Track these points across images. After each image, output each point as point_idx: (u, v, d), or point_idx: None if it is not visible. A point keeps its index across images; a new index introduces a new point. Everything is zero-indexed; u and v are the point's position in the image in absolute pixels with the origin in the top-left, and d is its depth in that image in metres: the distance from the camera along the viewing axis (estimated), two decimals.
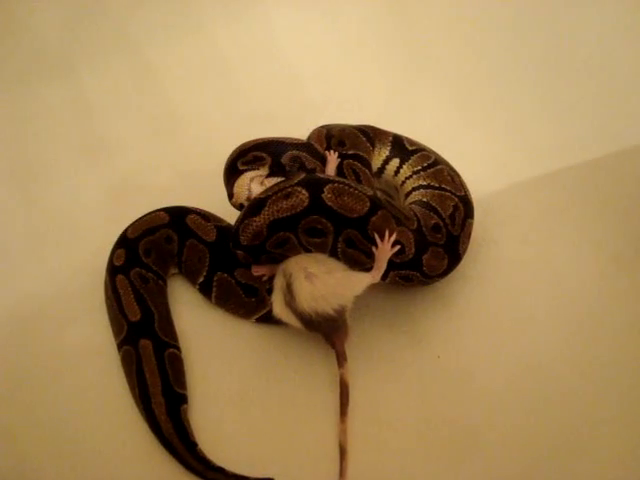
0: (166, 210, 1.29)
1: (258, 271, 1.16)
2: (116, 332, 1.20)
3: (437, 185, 1.29)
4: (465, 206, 1.26)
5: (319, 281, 1.07)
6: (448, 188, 1.28)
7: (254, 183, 1.19)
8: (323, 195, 1.06)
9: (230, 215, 1.24)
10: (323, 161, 1.24)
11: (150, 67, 1.73)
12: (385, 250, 1.07)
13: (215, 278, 1.22)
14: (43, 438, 1.12)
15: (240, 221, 1.11)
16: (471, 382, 1.17)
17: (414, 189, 1.31)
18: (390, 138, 1.37)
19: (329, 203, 1.06)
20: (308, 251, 1.11)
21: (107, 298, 1.24)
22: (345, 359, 1.10)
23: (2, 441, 1.12)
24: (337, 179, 1.11)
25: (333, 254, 1.11)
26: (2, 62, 1.73)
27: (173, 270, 1.29)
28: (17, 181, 1.50)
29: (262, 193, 1.12)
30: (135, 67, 1.73)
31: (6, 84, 1.69)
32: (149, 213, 1.29)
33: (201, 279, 1.24)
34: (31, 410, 1.15)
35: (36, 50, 1.75)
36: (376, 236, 1.07)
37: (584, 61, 1.69)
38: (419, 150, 1.35)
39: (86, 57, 1.74)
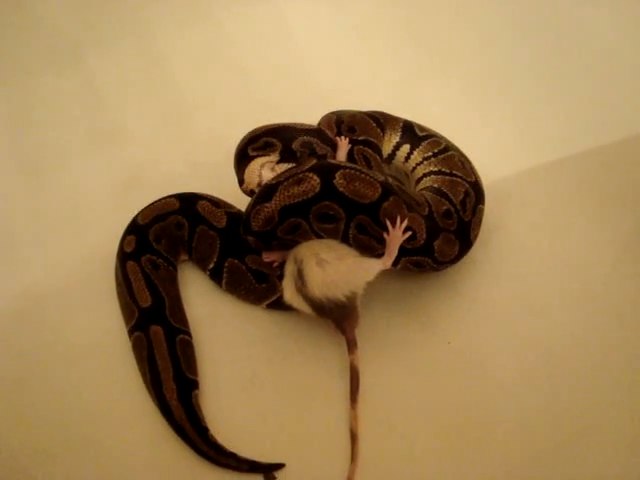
0: (176, 196, 1.28)
1: (269, 257, 1.16)
2: (127, 318, 1.20)
3: (448, 171, 1.28)
4: (476, 192, 1.26)
5: (330, 267, 1.07)
6: (459, 174, 1.27)
7: (265, 169, 1.18)
8: (335, 181, 1.06)
9: (240, 202, 1.24)
10: (334, 147, 1.24)
11: (159, 54, 1.72)
12: (396, 236, 1.07)
13: (226, 264, 1.22)
14: (55, 424, 1.13)
15: (251, 207, 1.11)
16: (482, 368, 1.17)
17: (425, 175, 1.30)
18: (400, 124, 1.36)
19: (341, 189, 1.06)
20: (319, 237, 1.11)
21: (118, 284, 1.24)
22: (355, 345, 1.10)
23: (14, 428, 1.13)
24: (348, 165, 1.10)
25: (344, 240, 1.10)
26: (11, 50, 1.73)
27: (183, 256, 1.29)
28: (27, 169, 1.50)
29: (273, 179, 1.11)
30: (144, 54, 1.72)
31: (15, 72, 1.69)
32: (159, 199, 1.29)
33: (212, 265, 1.24)
34: (42, 397, 1.16)
35: (45, 38, 1.75)
36: (387, 222, 1.07)
37: (593, 47, 1.69)
38: (430, 136, 1.34)
39: (94, 44, 1.74)
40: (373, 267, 1.08)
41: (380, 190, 1.07)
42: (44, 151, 1.53)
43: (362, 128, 1.31)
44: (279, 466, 1.06)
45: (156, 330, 1.15)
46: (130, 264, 1.22)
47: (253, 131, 1.23)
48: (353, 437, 1.07)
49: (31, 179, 1.48)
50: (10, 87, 1.66)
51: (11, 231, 1.38)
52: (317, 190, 1.06)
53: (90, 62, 1.71)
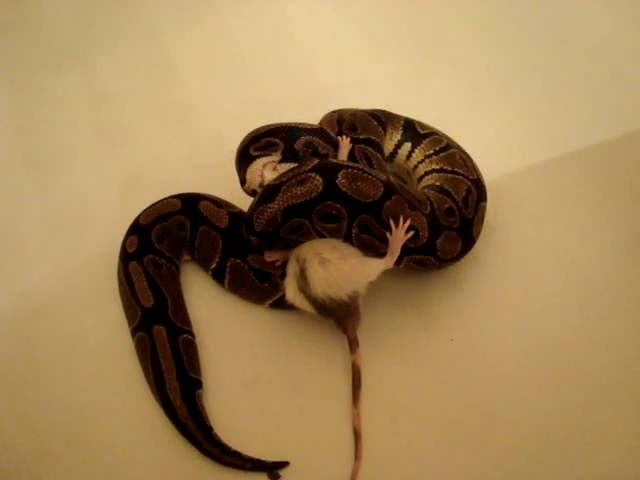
0: (178, 197, 1.29)
1: (271, 257, 1.16)
2: (130, 318, 1.20)
3: (449, 169, 1.28)
4: (478, 189, 1.26)
5: (333, 267, 1.07)
6: (461, 172, 1.27)
7: (267, 169, 1.18)
8: (337, 180, 1.06)
9: (242, 202, 1.24)
10: (336, 146, 1.23)
11: (162, 54, 1.72)
12: (399, 235, 1.07)
13: (228, 264, 1.22)
14: (59, 424, 1.13)
15: (254, 207, 1.10)
16: (485, 364, 1.17)
17: (427, 173, 1.30)
18: (402, 122, 1.36)
19: (343, 188, 1.06)
20: (322, 237, 1.11)
21: (120, 285, 1.24)
22: (357, 344, 1.11)
23: (19, 427, 1.13)
24: (351, 164, 1.10)
25: (347, 239, 1.11)
26: (14, 50, 1.74)
27: (186, 256, 1.29)
28: (31, 169, 1.50)
29: (276, 179, 1.11)
30: (147, 54, 1.72)
31: (19, 72, 1.70)
32: (161, 200, 1.29)
33: (214, 265, 1.24)
34: (46, 397, 1.16)
35: (48, 38, 1.75)
36: (390, 221, 1.07)
37: (593, 44, 1.69)
38: (431, 134, 1.34)
39: (99, 44, 1.74)
40: (376, 266, 1.08)
41: (382, 189, 1.07)
42: (47, 151, 1.53)
43: (363, 127, 1.30)
44: (283, 464, 1.06)
45: (159, 330, 1.15)
46: (132, 264, 1.22)
47: (255, 131, 1.22)
48: (356, 435, 1.07)
49: (34, 180, 1.48)
50: (14, 87, 1.66)
51: (14, 231, 1.39)
52: (320, 190, 1.06)
53: (93, 62, 1.71)
